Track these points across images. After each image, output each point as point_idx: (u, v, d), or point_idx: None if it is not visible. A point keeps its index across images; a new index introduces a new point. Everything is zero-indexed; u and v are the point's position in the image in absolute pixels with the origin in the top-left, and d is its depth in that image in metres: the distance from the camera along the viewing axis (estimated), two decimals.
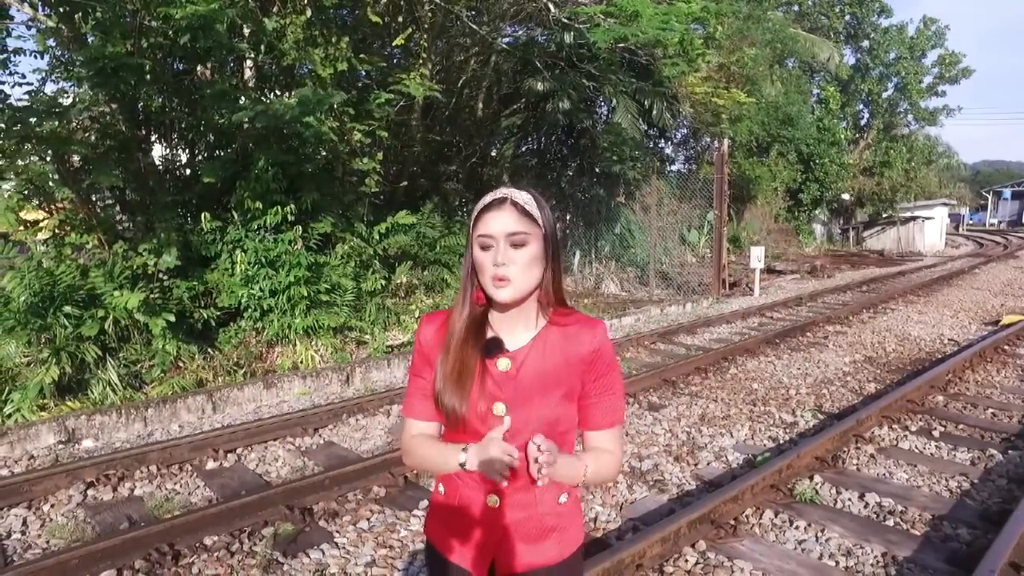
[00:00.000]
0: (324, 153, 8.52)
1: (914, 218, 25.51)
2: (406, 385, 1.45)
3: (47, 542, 3.34)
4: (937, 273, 16.27)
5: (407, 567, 3.04)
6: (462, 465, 1.31)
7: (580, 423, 1.40)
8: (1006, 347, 7.61)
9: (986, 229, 47.83)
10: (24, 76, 7.32)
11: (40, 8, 7.21)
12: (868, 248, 25.67)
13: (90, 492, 3.87)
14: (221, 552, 3.15)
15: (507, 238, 1.29)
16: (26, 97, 6.88)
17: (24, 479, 3.83)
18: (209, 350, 6.96)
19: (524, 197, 1.33)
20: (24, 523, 3.52)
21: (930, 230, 25.78)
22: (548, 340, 1.36)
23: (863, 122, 31.02)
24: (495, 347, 1.35)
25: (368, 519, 3.51)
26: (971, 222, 51.23)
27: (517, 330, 1.37)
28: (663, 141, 17.08)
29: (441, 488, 1.44)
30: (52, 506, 3.71)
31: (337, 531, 3.39)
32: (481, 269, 1.32)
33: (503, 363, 1.34)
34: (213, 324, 7.30)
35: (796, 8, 26.38)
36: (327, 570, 3.00)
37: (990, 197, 56.29)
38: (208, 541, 3.23)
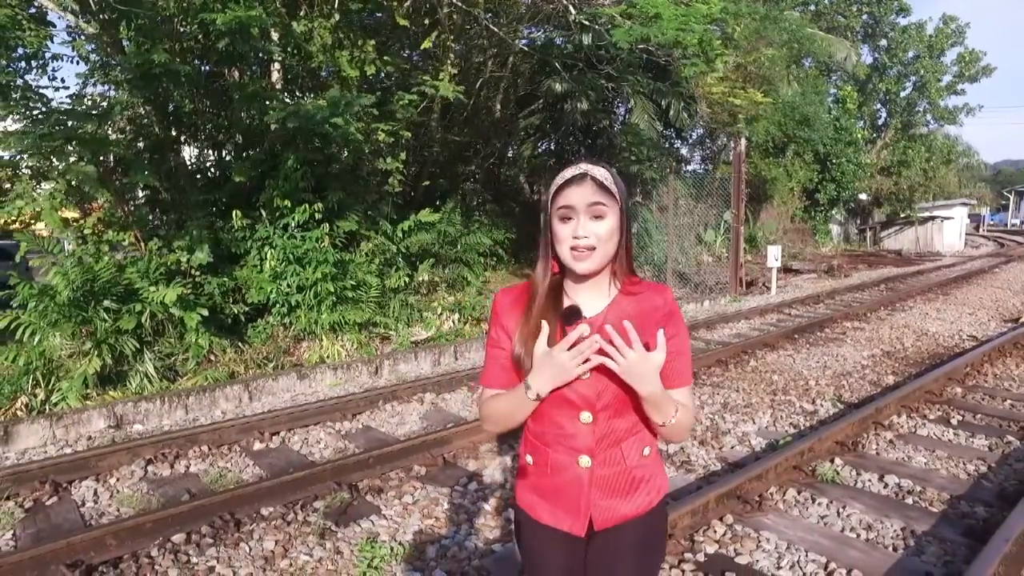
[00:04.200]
0: (348, 153, 8.75)
1: (932, 218, 25.39)
2: (480, 365, 1.50)
3: (117, 510, 3.61)
4: (956, 272, 16.23)
5: (454, 534, 3.25)
6: (537, 397, 1.35)
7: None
8: None
9: (1007, 229, 47.25)
10: (64, 81, 7.64)
11: (81, 15, 7.51)
12: (886, 248, 25.58)
13: (150, 468, 4.13)
14: (278, 521, 3.38)
15: (587, 210, 1.33)
16: (68, 101, 7.19)
17: (90, 455, 4.11)
18: (239, 344, 7.19)
19: (602, 172, 1.37)
20: (95, 493, 3.80)
21: (949, 230, 25.63)
22: (623, 306, 1.41)
23: (881, 121, 30.85)
24: (574, 314, 1.39)
25: (412, 494, 3.72)
26: (992, 222, 50.60)
27: (592, 298, 1.42)
28: (680, 141, 17.21)
29: (529, 458, 1.48)
30: (117, 479, 3.99)
31: (383, 505, 3.60)
32: (560, 240, 1.36)
33: (583, 329, 1.36)
34: (243, 319, 7.54)
35: (813, 8, 26.33)
36: (378, 537, 3.21)
37: (1012, 197, 55.56)
38: (265, 512, 3.46)
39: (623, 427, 1.41)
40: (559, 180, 1.38)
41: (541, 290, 1.42)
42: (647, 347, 1.35)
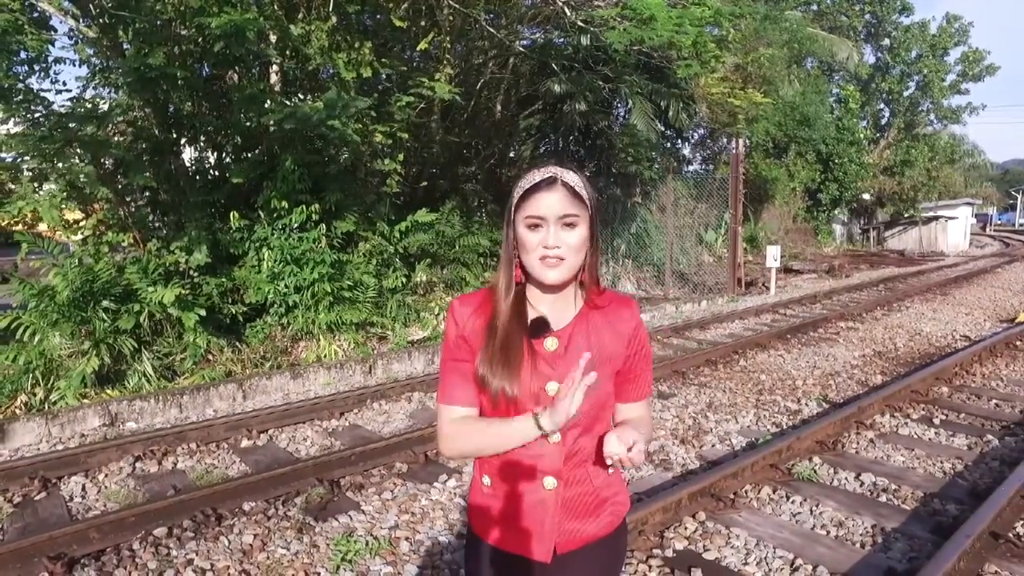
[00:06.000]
0: (347, 154, 8.84)
1: (936, 218, 25.30)
2: (440, 372, 1.38)
3: (104, 504, 3.71)
4: (957, 272, 16.19)
5: (428, 530, 3.32)
6: (542, 429, 1.26)
7: (619, 396, 1.40)
8: (1018, 342, 7.66)
9: (1015, 229, 46.98)
10: (65, 83, 7.79)
11: (81, 20, 7.63)
12: (889, 248, 25.52)
13: (138, 464, 4.23)
14: (259, 516, 3.46)
15: (559, 220, 1.25)
16: (68, 103, 7.31)
17: (80, 451, 4.21)
18: (237, 344, 7.27)
19: (573, 178, 1.28)
20: (83, 489, 3.90)
21: (953, 230, 25.53)
22: (590, 319, 1.35)
23: (884, 121, 30.79)
24: (542, 327, 1.32)
25: (392, 490, 3.80)
26: (999, 222, 50.35)
27: (557, 309, 1.34)
28: (680, 141, 17.22)
29: (487, 480, 1.37)
30: (106, 475, 4.09)
31: (363, 500, 3.68)
32: (527, 249, 1.27)
33: (551, 343, 1.31)
34: (241, 319, 7.63)
35: (815, 7, 26.29)
36: (355, 532, 3.29)
37: (1020, 196, 55.22)
38: (247, 507, 3.55)
39: (591, 445, 1.34)
40: (526, 184, 1.28)
41: (506, 303, 1.32)
42: (613, 368, 1.36)
